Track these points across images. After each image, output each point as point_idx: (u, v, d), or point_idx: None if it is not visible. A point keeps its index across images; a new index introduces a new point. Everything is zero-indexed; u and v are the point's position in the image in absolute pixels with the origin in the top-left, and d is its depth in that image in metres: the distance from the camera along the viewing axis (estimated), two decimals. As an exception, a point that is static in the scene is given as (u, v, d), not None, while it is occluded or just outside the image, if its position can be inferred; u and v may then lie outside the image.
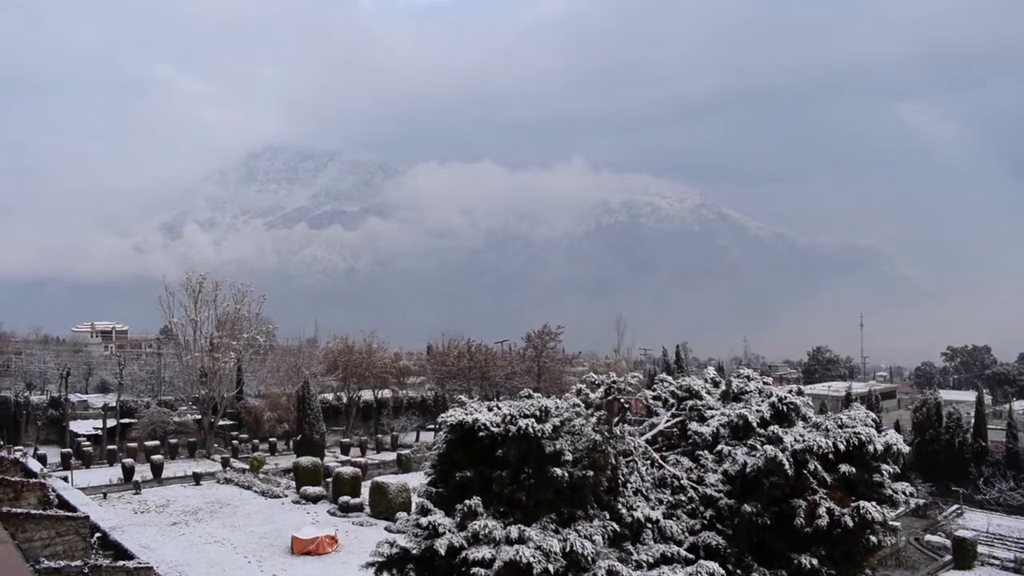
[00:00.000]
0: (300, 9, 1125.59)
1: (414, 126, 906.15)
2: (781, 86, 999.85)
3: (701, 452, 19.40)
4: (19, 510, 20.21)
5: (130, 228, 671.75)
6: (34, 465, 39.82)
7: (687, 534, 17.32)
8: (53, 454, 58.88)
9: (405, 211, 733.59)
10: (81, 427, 67.79)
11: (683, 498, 18.17)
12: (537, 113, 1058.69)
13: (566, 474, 15.72)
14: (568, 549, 14.78)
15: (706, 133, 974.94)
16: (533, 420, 16.13)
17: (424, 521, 15.78)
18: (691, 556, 16.33)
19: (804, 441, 17.62)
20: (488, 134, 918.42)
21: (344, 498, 43.23)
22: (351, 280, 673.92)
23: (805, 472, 17.39)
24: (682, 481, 18.46)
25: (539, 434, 15.96)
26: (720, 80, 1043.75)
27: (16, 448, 56.08)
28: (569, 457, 16.00)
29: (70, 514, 23.79)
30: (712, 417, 20.38)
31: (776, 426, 18.46)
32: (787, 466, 16.91)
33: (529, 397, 18.21)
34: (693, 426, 20.35)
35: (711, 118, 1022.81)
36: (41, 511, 22.94)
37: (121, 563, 20.84)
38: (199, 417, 68.31)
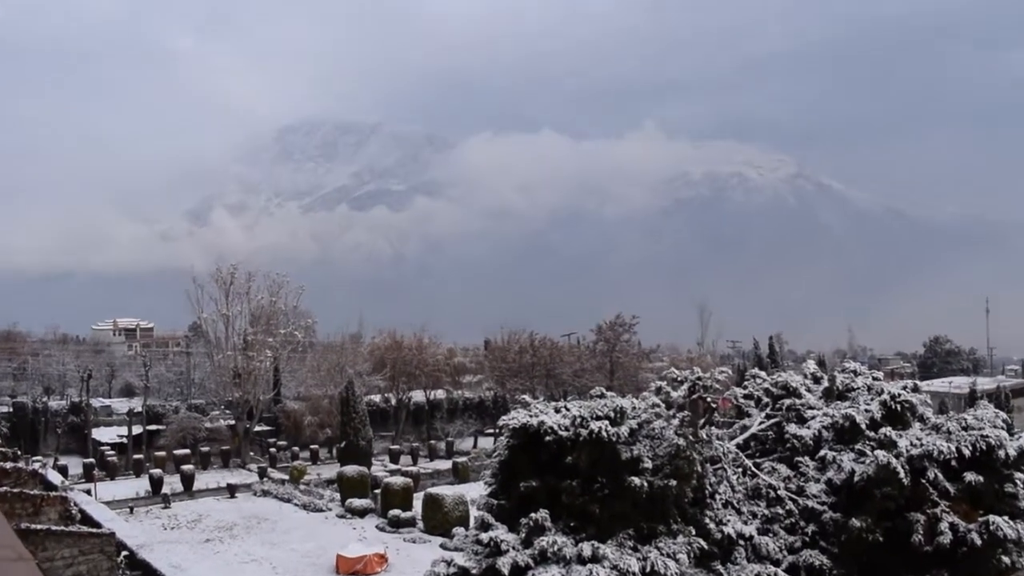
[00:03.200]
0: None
1: (466, 94, 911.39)
2: (891, 33, 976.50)
3: (800, 458, 19.14)
4: (39, 526, 20.89)
5: (154, 214, 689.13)
6: (54, 477, 41.01)
7: (785, 552, 17.11)
8: (75, 465, 60.53)
9: (457, 189, 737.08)
10: (104, 435, 69.58)
11: (780, 511, 17.95)
12: (603, 77, 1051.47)
13: (645, 484, 15.64)
14: (648, 569, 14.73)
15: (802, 91, 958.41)
16: (607, 423, 16.08)
17: (485, 537, 15.85)
18: (790, 578, 16.13)
19: (922, 445, 17.24)
20: (548, 101, 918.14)
21: (394, 512, 43.49)
22: (398, 268, 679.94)
23: (923, 481, 17.02)
24: (779, 492, 18.23)
25: (614, 438, 15.91)
26: (819, 30, 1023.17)
27: (35, 459, 57.89)
28: (648, 464, 15.92)
29: (94, 530, 24.51)
30: (813, 418, 20.08)
31: (888, 428, 18.11)
32: (902, 474, 16.57)
33: (601, 396, 18.16)
34: (791, 428, 20.08)
35: (808, 74, 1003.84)
36: (63, 527, 23.69)
37: (151, 583, 21.41)
38: (233, 423, 69.52)
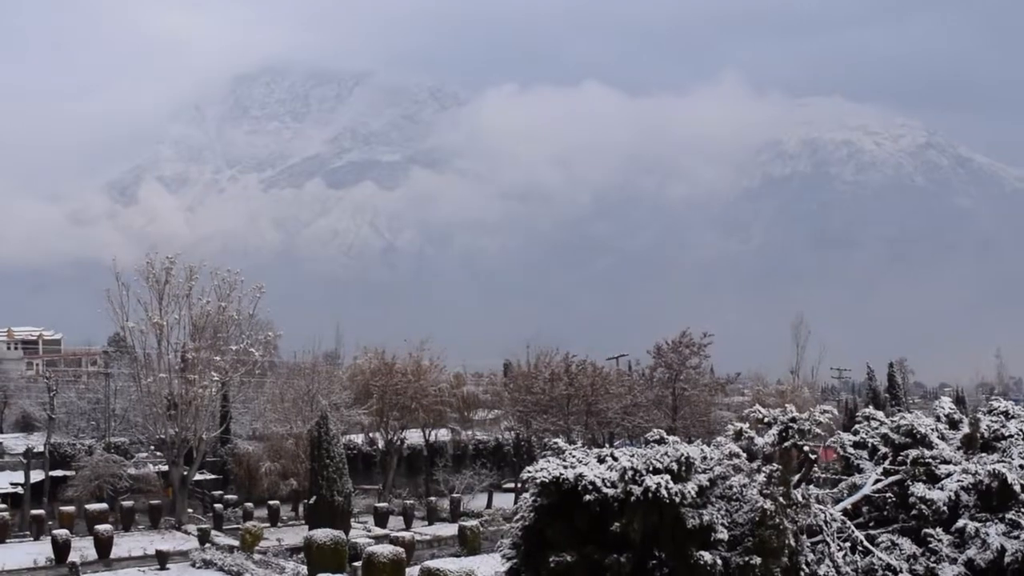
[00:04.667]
0: None
1: (481, 33, 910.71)
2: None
3: (931, 531, 19.01)
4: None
5: (63, 190, 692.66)
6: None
7: (910, 657, 16.99)
8: (-45, 521, 61.19)
9: (469, 161, 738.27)
10: (-6, 482, 70.29)
11: (903, 601, 17.83)
12: (665, 6, 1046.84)
13: (719, 561, 15.58)
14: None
15: (934, 34, 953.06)
16: (668, 477, 16.03)
17: (501, 631, 15.84)
18: None
19: (1099, 515, 17.08)
20: (593, 40, 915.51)
21: (380, 593, 43.63)
22: (390, 264, 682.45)
23: (1100, 564, 16.86)
24: (901, 575, 18.11)
25: (677, 499, 15.86)
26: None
27: None
28: (724, 535, 15.86)
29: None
30: (948, 476, 19.94)
31: (1053, 491, 17.95)
32: (1071, 554, 16.41)
33: (661, 442, 18.11)
34: (918, 489, 19.95)
35: (944, 9, 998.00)
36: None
37: None
38: (166, 469, 69.83)
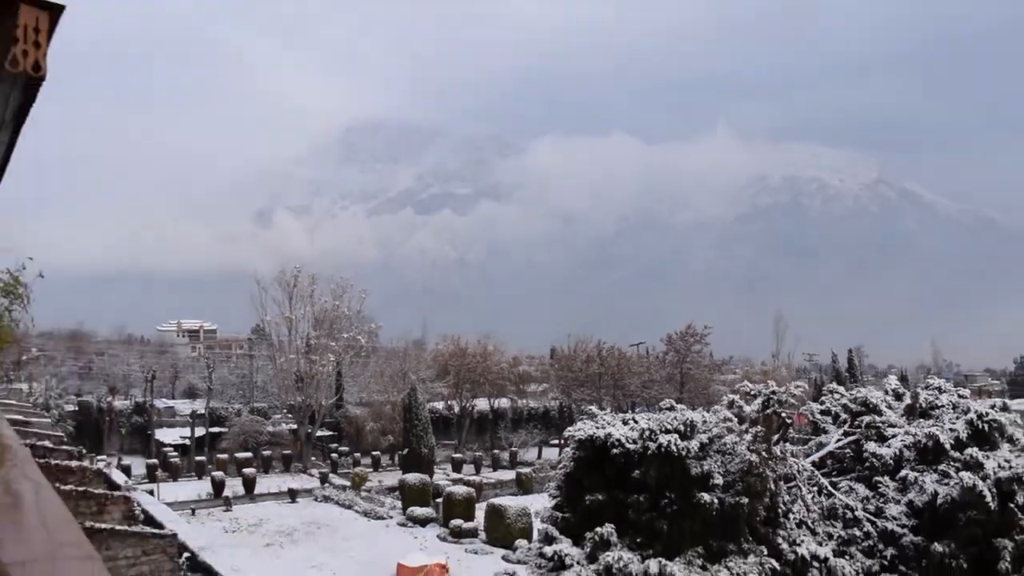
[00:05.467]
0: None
1: (532, 95, 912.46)
2: (984, 26, 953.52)
3: (880, 478, 18.83)
4: (103, 525, 21.43)
5: (219, 217, 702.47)
6: (118, 477, 42.01)
7: (863, 576, 16.84)
8: (138, 465, 62.08)
9: (523, 193, 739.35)
10: (167, 436, 71.27)
11: (858, 533, 17.68)
12: (674, 74, 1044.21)
13: (716, 501, 15.55)
14: (718, 588, 14.63)
15: (886, 91, 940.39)
16: (676, 436, 16.02)
17: (548, 551, 15.89)
18: (868, 603, 15.87)
19: (1011, 468, 16.83)
20: (618, 100, 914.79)
21: (456, 522, 43.60)
22: (463, 273, 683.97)
23: (1012, 506, 16.61)
24: (856, 512, 17.96)
25: (683, 453, 15.85)
26: (906, 26, 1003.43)
27: (99, 458, 59.48)
28: (719, 481, 15.83)
29: (157, 531, 25.05)
30: (894, 436, 19.74)
31: (975, 448, 17.70)
32: (989, 498, 16.19)
33: (671, 409, 18.10)
34: (870, 446, 19.76)
35: (894, 72, 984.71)
36: (126, 527, 24.29)
37: (213, 586, 21.89)
38: (295, 427, 70.58)
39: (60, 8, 5.98)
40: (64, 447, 25.56)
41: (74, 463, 23.74)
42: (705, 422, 17.15)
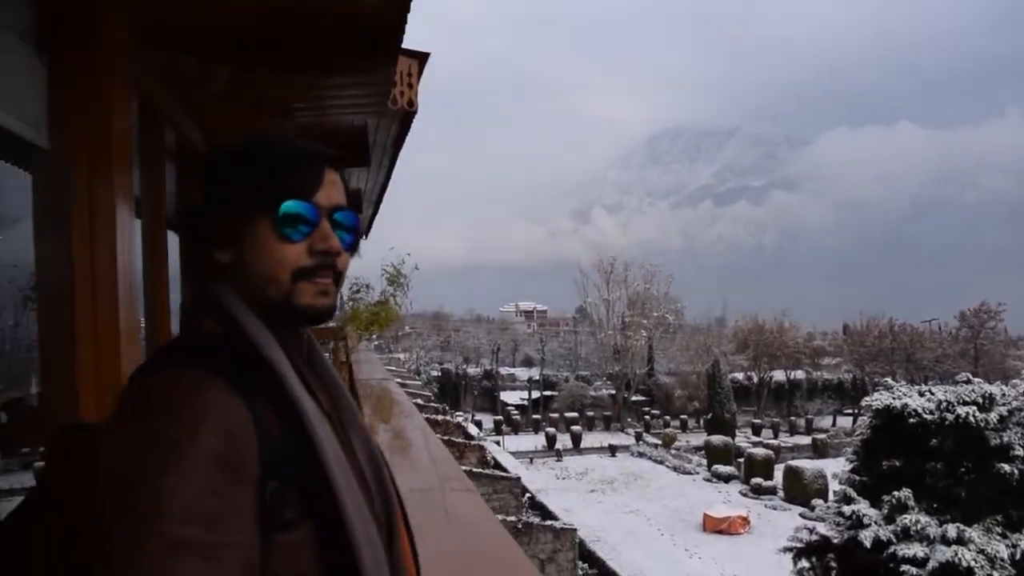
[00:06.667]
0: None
1: (819, 92, 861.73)
2: None
3: None
4: (464, 467, 23.10)
5: (544, 216, 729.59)
6: (472, 429, 44.86)
7: None
8: (487, 421, 65.93)
9: (812, 183, 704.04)
10: (509, 397, 75.03)
11: None
12: (961, 62, 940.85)
13: (1016, 471, 13.91)
14: (1019, 556, 13.09)
15: None
16: (974, 408, 14.50)
17: (847, 510, 15.00)
18: None
19: None
20: (904, 92, 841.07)
21: (756, 479, 42.51)
22: (758, 256, 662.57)
23: None
24: None
25: (982, 424, 14.31)
26: None
27: (457, 413, 63.83)
28: (1020, 452, 14.14)
29: (504, 474, 26.59)
30: None
31: None
32: None
33: (968, 382, 16.39)
34: None
35: None
36: (481, 470, 26.01)
37: (548, 523, 22.84)
38: (613, 392, 71.76)
39: (426, 56, 6.47)
40: (432, 404, 27.82)
41: (439, 417, 25.78)
42: (1004, 395, 15.37)
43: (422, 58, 6.13)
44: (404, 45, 3.68)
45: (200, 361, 1.14)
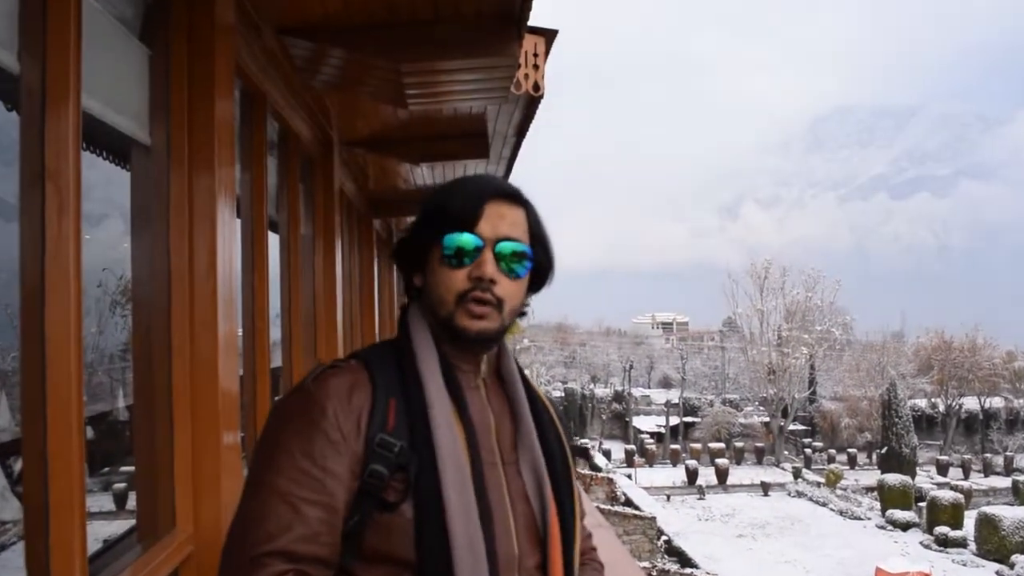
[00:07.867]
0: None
1: (1020, 61, 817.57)
2: None
3: None
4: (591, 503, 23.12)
5: (684, 213, 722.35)
6: (600, 460, 44.95)
7: None
8: (616, 449, 65.56)
9: (1011, 170, 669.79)
10: (643, 423, 74.37)
11: None
12: None
13: None
14: None
15: None
16: None
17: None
18: None
19: None
20: None
21: (941, 529, 40.93)
22: (944, 260, 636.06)
23: None
24: None
25: None
26: None
27: (582, 440, 64.02)
28: None
29: (637, 512, 26.51)
30: None
31: None
32: None
33: None
34: None
35: None
36: (609, 507, 26.02)
37: (688, 571, 22.61)
38: (767, 420, 70.23)
39: (554, 33, 6.51)
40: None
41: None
42: None
43: (550, 35, 6.16)
44: (529, 21, 3.71)
45: (362, 356, 1.61)
